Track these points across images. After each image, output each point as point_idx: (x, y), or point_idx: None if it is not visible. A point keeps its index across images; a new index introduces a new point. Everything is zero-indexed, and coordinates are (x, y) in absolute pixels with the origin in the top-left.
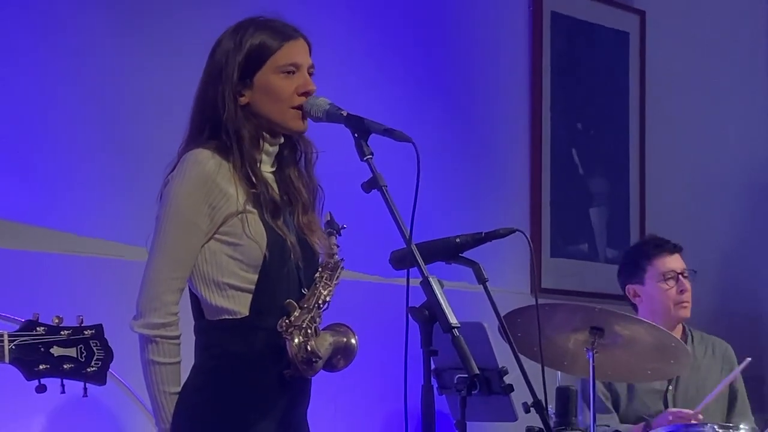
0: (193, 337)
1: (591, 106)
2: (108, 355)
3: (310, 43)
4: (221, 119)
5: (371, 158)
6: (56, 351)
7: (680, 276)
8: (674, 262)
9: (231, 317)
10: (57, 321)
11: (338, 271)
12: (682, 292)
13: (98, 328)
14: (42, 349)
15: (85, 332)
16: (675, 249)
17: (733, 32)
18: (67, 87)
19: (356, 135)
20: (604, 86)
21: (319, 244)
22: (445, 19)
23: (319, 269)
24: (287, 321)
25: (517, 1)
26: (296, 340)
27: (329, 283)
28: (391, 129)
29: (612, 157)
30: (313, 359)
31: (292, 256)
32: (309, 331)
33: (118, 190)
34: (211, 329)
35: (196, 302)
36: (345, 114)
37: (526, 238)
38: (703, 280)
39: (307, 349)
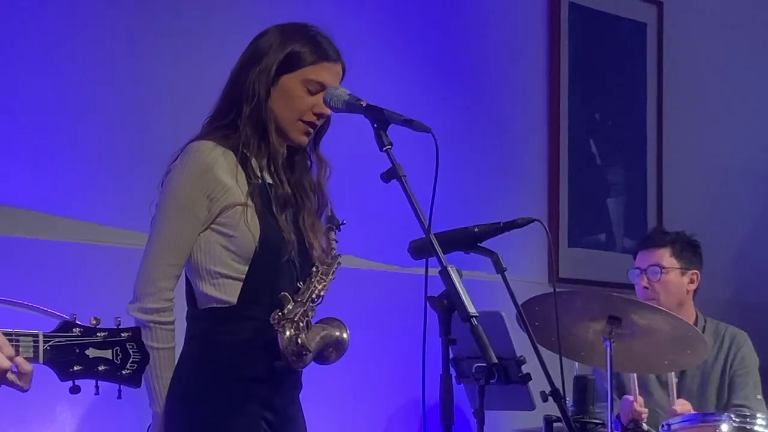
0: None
1: (609, 97)
2: (144, 357)
3: (345, 69)
4: (244, 108)
5: (390, 148)
6: (92, 352)
7: (643, 272)
8: (640, 258)
9: (219, 306)
10: (94, 322)
11: (334, 266)
12: (645, 288)
13: (135, 331)
14: (77, 350)
15: (122, 334)
16: (649, 244)
17: (751, 22)
18: (89, 82)
19: (375, 125)
20: (622, 77)
21: (317, 248)
22: (463, 11)
23: (317, 264)
24: (280, 314)
25: None
26: (288, 333)
27: (324, 278)
28: (410, 119)
29: (629, 148)
30: (303, 352)
31: (291, 251)
32: (301, 324)
33: (141, 181)
34: (201, 317)
35: (191, 291)
36: (364, 104)
37: (544, 227)
38: (719, 270)
39: (297, 342)
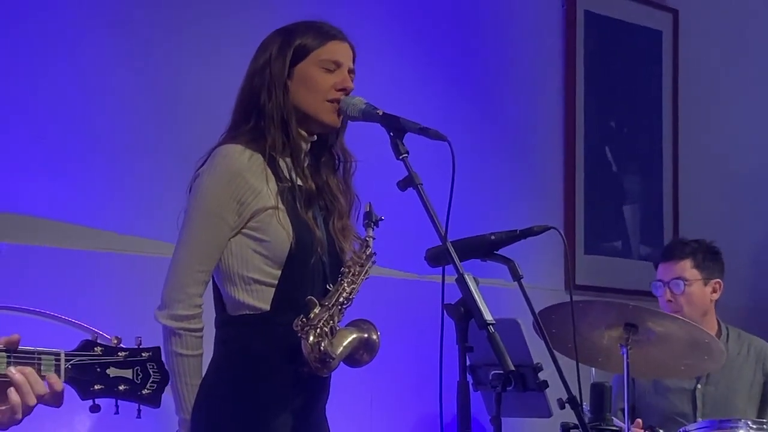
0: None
1: (624, 104)
2: (164, 377)
3: (354, 50)
4: (265, 107)
5: (407, 157)
6: (112, 372)
7: (666, 285)
8: (663, 271)
9: (251, 313)
10: (115, 342)
11: (368, 266)
12: (668, 301)
13: (155, 351)
14: (98, 369)
15: (143, 354)
16: (670, 256)
17: (765, 30)
18: (108, 90)
19: (392, 134)
20: (638, 84)
21: (349, 251)
22: (479, 19)
23: (349, 263)
24: (303, 320)
25: (551, 0)
26: (311, 339)
27: (355, 279)
28: (426, 128)
29: (645, 155)
30: (327, 359)
31: (318, 249)
32: (325, 330)
33: (159, 190)
34: (232, 324)
35: (219, 296)
36: (381, 113)
37: (561, 235)
38: (736, 276)
39: (320, 349)
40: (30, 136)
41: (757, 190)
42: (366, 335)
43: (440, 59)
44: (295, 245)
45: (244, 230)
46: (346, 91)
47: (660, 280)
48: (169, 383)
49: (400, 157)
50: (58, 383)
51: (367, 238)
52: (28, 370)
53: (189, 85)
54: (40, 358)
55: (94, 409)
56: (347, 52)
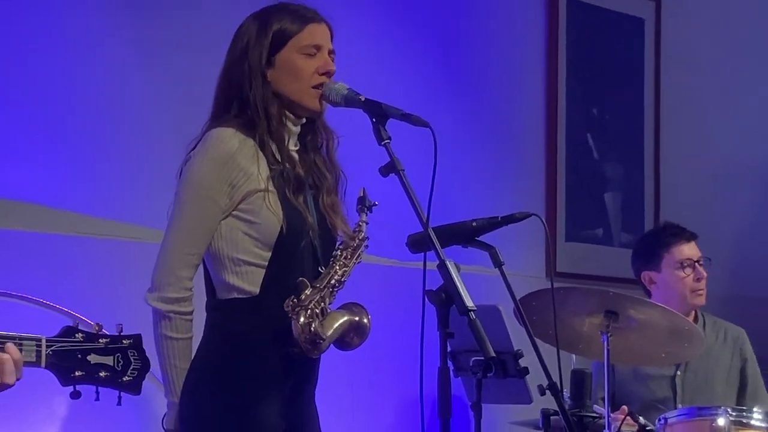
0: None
1: (606, 92)
2: (145, 365)
3: (332, 29)
4: (248, 98)
5: (389, 142)
6: (93, 358)
7: (696, 264)
8: (691, 250)
9: (241, 296)
10: (96, 328)
11: (361, 249)
12: (698, 279)
13: (137, 338)
14: (79, 355)
15: (124, 341)
16: (691, 237)
17: (748, 18)
18: (91, 74)
19: (374, 120)
20: (620, 72)
21: (341, 226)
22: (461, 6)
23: (341, 247)
24: (294, 300)
25: None
26: (301, 320)
27: (347, 262)
28: (409, 114)
29: (627, 143)
30: (317, 340)
31: (310, 233)
32: (315, 311)
33: (139, 173)
34: (221, 308)
35: (209, 280)
36: (363, 99)
37: (542, 222)
38: (718, 265)
39: (310, 330)
40: (11, 121)
41: (738, 178)
42: (357, 318)
43: (422, 45)
44: (285, 229)
45: (234, 212)
46: (329, 74)
47: (689, 259)
48: (159, 366)
49: (383, 143)
50: (15, 352)
51: (361, 223)
52: (18, 355)
53: (177, 71)
54: (21, 344)
55: (75, 395)
56: (325, 34)
